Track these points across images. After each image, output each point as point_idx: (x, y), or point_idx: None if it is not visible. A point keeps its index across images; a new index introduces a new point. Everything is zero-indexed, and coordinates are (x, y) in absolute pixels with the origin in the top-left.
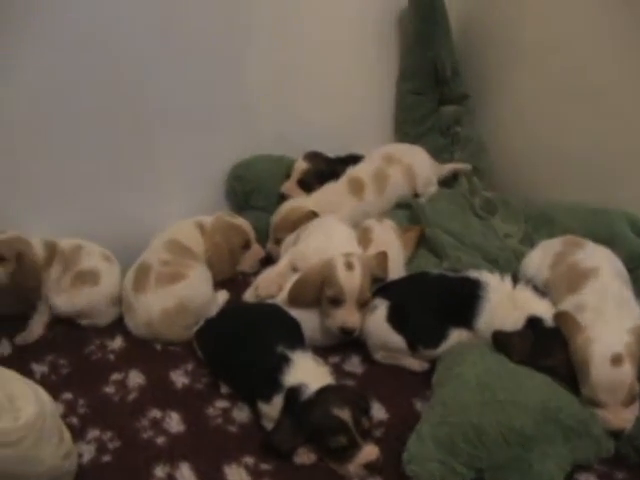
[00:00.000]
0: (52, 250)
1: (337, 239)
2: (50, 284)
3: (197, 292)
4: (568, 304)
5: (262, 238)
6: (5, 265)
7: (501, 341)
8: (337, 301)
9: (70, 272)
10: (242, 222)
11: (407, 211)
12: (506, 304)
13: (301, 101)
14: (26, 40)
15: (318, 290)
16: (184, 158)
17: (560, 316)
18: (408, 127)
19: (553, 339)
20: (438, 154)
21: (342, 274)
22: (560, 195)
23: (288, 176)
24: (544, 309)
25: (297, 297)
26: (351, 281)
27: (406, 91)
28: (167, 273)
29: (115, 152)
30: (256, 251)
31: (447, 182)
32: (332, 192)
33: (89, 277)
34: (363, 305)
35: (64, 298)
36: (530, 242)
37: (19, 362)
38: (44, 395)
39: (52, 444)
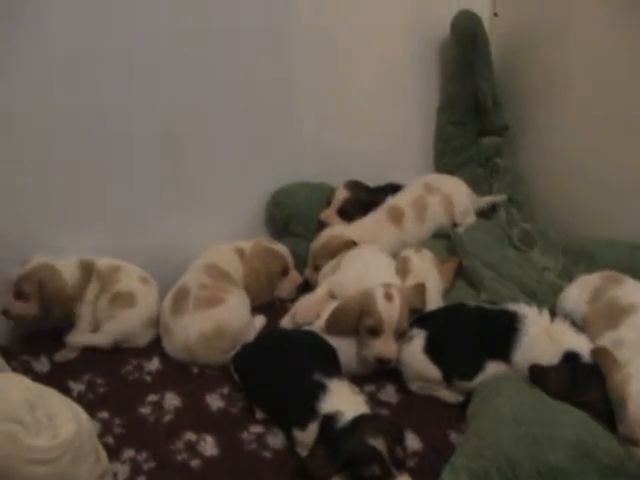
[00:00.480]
0: (89, 269)
1: (376, 269)
2: (86, 304)
3: (235, 316)
4: (606, 340)
5: (300, 265)
6: (29, 301)
7: (538, 375)
8: (375, 331)
9: (107, 293)
10: (281, 248)
11: (445, 241)
12: (543, 338)
13: (342, 130)
14: (65, 63)
15: (356, 319)
16: (225, 183)
17: (598, 352)
18: (447, 157)
19: (590, 375)
20: (477, 185)
21: (381, 304)
22: (599, 230)
23: (328, 203)
24: (582, 344)
25: (335, 325)
26: (390, 312)
27: (446, 121)
28: (205, 297)
29: (156, 174)
30: (294, 277)
31: (486, 213)
32: (371, 221)
33: (126, 299)
34: (400, 336)
35: (103, 338)
36: (568, 276)
37: (57, 379)
38: (82, 414)
39: (89, 463)
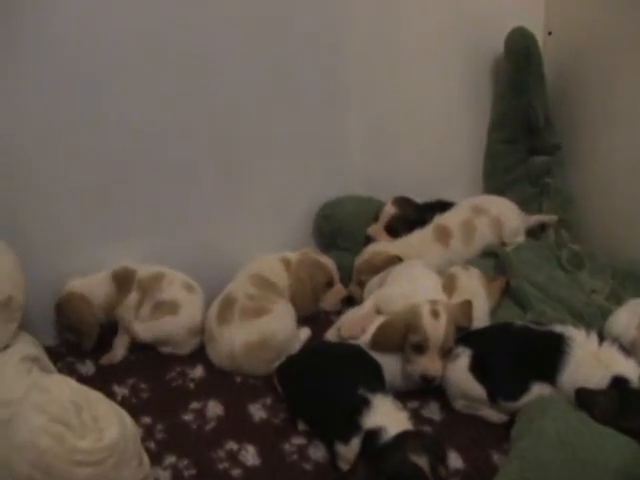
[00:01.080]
0: (128, 280)
1: (423, 285)
2: (128, 311)
3: (280, 327)
4: None
5: (345, 278)
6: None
7: (584, 399)
8: (420, 348)
9: (150, 301)
10: (327, 260)
11: (493, 260)
12: (591, 361)
13: (392, 145)
14: (124, 82)
15: (402, 336)
16: (275, 193)
17: None
18: (497, 175)
19: (638, 401)
20: (526, 204)
21: (428, 321)
22: None
23: (375, 219)
24: (630, 369)
25: (381, 341)
26: (436, 329)
27: (497, 139)
28: (252, 307)
29: (205, 182)
30: (338, 290)
31: (534, 233)
32: (417, 238)
33: (169, 307)
34: (446, 354)
35: (143, 326)
36: (616, 299)
37: (101, 383)
38: (127, 418)
39: (132, 467)
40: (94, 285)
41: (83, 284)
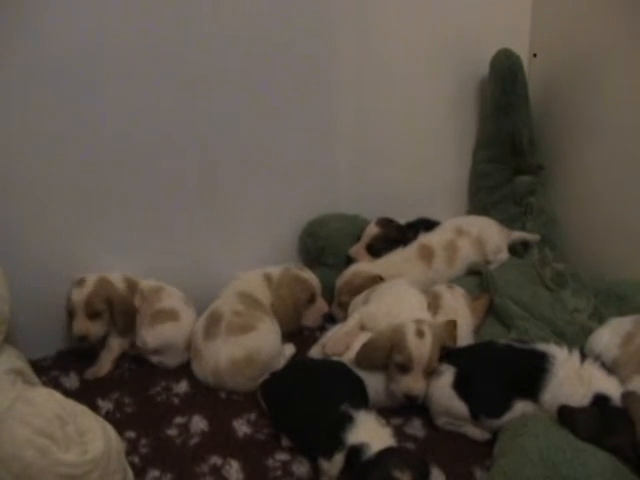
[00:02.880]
0: (133, 287)
1: (407, 303)
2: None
3: (266, 344)
4: (637, 384)
5: (330, 295)
6: (103, 316)
7: (567, 416)
8: (404, 368)
9: (150, 310)
10: (309, 275)
11: (477, 278)
12: (573, 379)
13: (378, 163)
14: (117, 90)
15: (386, 355)
16: (261, 210)
17: (628, 396)
18: (482, 194)
19: (620, 419)
20: (511, 223)
21: (412, 341)
22: (631, 272)
23: (358, 239)
24: (612, 387)
25: (365, 360)
26: (421, 349)
27: (482, 159)
28: (238, 323)
29: (191, 199)
30: (321, 306)
31: (518, 252)
32: (400, 257)
33: (169, 315)
34: (430, 373)
35: (149, 331)
36: (599, 318)
37: (85, 397)
38: (111, 432)
39: None
40: (111, 276)
41: (108, 276)
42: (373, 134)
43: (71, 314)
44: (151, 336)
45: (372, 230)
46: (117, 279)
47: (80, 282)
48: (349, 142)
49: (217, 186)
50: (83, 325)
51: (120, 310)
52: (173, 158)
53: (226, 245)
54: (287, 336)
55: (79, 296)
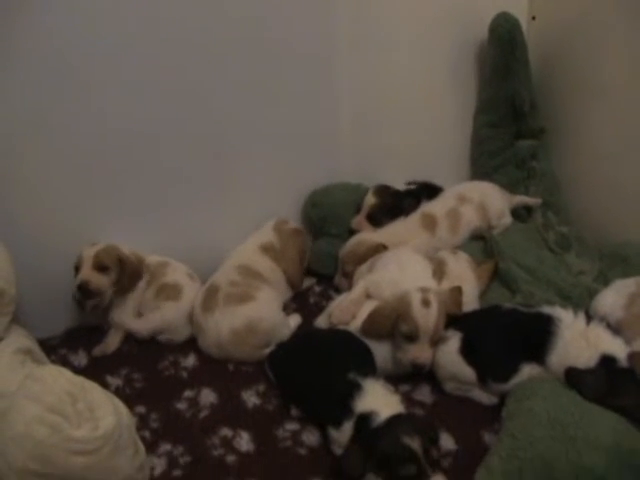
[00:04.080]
0: (140, 262)
1: (412, 271)
2: (136, 291)
3: (266, 312)
4: None
5: (335, 265)
6: (109, 274)
7: (574, 378)
8: (411, 337)
9: (155, 284)
10: (294, 223)
11: (481, 243)
12: (579, 341)
13: (379, 131)
14: (114, 67)
15: (392, 324)
16: (263, 182)
17: (634, 356)
18: (484, 160)
19: (627, 379)
20: (513, 187)
21: (418, 311)
22: (634, 234)
23: (358, 210)
24: (618, 348)
25: (371, 329)
26: (427, 319)
27: (483, 123)
28: (235, 294)
29: (193, 172)
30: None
31: (522, 216)
32: (403, 227)
33: (172, 291)
34: (436, 342)
35: (141, 320)
36: (604, 280)
37: (95, 374)
38: (122, 407)
39: (127, 455)
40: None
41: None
42: (373, 101)
43: (77, 269)
44: (145, 325)
45: (370, 200)
46: (126, 251)
47: (92, 244)
48: (349, 110)
49: (218, 159)
50: (86, 273)
51: (129, 270)
52: (173, 133)
53: (229, 218)
54: (294, 307)
55: (89, 252)
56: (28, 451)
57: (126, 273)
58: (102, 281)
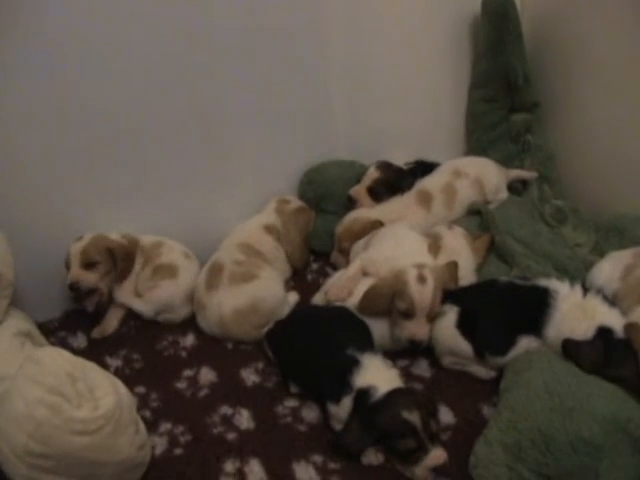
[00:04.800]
0: (133, 244)
1: (408, 247)
2: (131, 277)
3: (269, 292)
4: (639, 315)
5: (331, 242)
6: (99, 268)
7: (571, 349)
8: (407, 314)
9: (150, 265)
10: (297, 200)
11: (477, 218)
12: (576, 313)
13: (374, 108)
14: (98, 46)
15: (389, 301)
16: (258, 161)
17: (631, 327)
18: (479, 134)
19: (623, 350)
20: (508, 161)
21: (414, 288)
22: (630, 206)
23: (358, 181)
24: (614, 319)
25: (368, 307)
26: (423, 295)
27: (477, 98)
28: (240, 273)
29: (188, 152)
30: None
31: (518, 190)
32: (399, 204)
33: (167, 271)
34: (433, 318)
35: (142, 300)
36: (600, 252)
37: (94, 355)
38: (122, 387)
39: (128, 434)
40: (113, 235)
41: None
42: (367, 78)
43: (67, 266)
44: (146, 303)
45: (373, 174)
46: (116, 236)
47: (79, 238)
48: (343, 88)
49: (213, 139)
50: (74, 273)
51: (122, 256)
52: (168, 113)
53: (225, 197)
54: (291, 284)
55: (75, 249)
56: (29, 432)
57: (119, 260)
58: (91, 278)
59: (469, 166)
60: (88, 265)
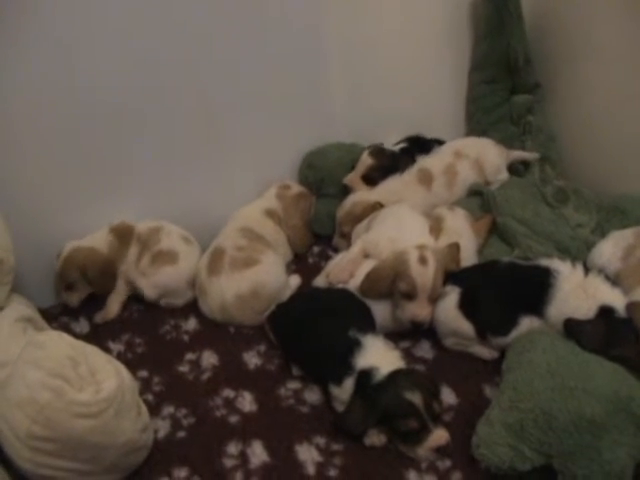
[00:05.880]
0: (127, 234)
1: (409, 228)
2: (128, 265)
3: (271, 277)
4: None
5: (333, 225)
6: (79, 287)
7: (573, 329)
8: (409, 295)
9: (149, 252)
10: (297, 186)
11: (478, 199)
12: (578, 292)
13: (374, 90)
14: (88, 28)
15: (391, 283)
16: (258, 146)
17: (633, 307)
18: (480, 116)
19: (625, 329)
20: (509, 143)
21: (415, 269)
22: (631, 186)
23: (352, 168)
24: (616, 299)
25: (369, 290)
26: (424, 277)
27: (478, 80)
28: (241, 258)
29: (188, 138)
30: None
31: (519, 171)
32: (400, 183)
33: (167, 257)
34: (435, 299)
35: (146, 281)
36: (602, 232)
37: (96, 340)
38: (124, 371)
39: (131, 417)
40: (96, 240)
41: (86, 241)
42: (366, 60)
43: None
44: (149, 287)
45: (366, 160)
46: (100, 240)
47: (58, 255)
48: (342, 71)
49: (213, 123)
50: (63, 296)
51: (94, 275)
52: (168, 98)
53: (225, 182)
54: (293, 268)
55: (57, 269)
56: (32, 416)
57: (93, 280)
58: (74, 299)
59: (470, 147)
60: (68, 286)
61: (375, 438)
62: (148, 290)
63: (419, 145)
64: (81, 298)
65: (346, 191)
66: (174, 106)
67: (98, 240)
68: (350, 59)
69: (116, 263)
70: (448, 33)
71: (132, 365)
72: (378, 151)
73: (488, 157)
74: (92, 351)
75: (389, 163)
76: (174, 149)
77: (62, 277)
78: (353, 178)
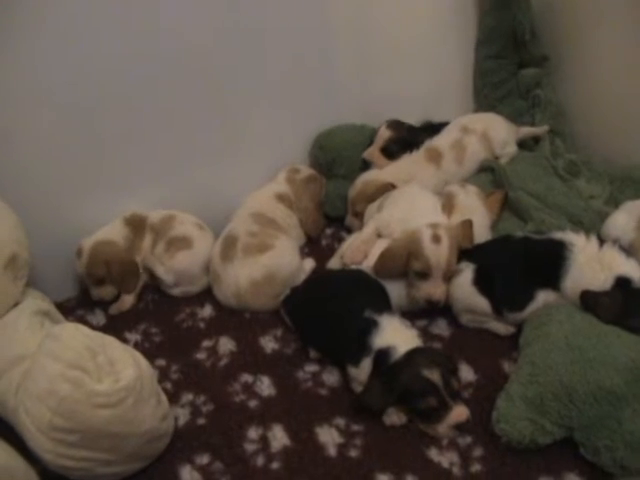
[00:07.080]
0: (140, 224)
1: (421, 207)
2: (144, 254)
3: (285, 262)
4: None
5: (345, 206)
6: (107, 281)
7: (589, 301)
8: (423, 274)
9: (163, 239)
10: (307, 169)
11: (490, 175)
12: (593, 264)
13: (381, 70)
14: (102, 18)
15: (404, 263)
16: (268, 130)
17: None
18: (488, 91)
19: None
20: (519, 117)
21: (429, 248)
22: None
23: (370, 143)
24: (632, 269)
25: (383, 270)
26: (438, 255)
27: (485, 55)
28: (254, 244)
29: (200, 122)
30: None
31: (530, 145)
32: (409, 162)
33: (182, 242)
34: (449, 277)
35: (163, 268)
36: (615, 203)
37: (113, 331)
38: (142, 360)
39: (150, 406)
40: (114, 233)
41: (103, 234)
42: (372, 39)
43: (84, 282)
44: (167, 272)
45: (385, 133)
46: (115, 232)
47: (79, 253)
48: (351, 51)
49: (223, 109)
50: (95, 292)
51: (118, 272)
52: (178, 84)
53: (237, 167)
54: (306, 251)
55: (80, 267)
56: (53, 408)
57: (116, 274)
58: (108, 292)
59: (476, 122)
60: (98, 282)
61: (395, 417)
62: (165, 276)
63: (432, 130)
64: (114, 292)
65: (360, 170)
66: (183, 94)
67: (115, 233)
68: (354, 39)
69: (134, 256)
70: (454, 8)
71: (150, 354)
72: (396, 124)
73: (494, 130)
74: (110, 341)
75: (408, 135)
76: (185, 136)
77: (90, 273)
78: (372, 152)
